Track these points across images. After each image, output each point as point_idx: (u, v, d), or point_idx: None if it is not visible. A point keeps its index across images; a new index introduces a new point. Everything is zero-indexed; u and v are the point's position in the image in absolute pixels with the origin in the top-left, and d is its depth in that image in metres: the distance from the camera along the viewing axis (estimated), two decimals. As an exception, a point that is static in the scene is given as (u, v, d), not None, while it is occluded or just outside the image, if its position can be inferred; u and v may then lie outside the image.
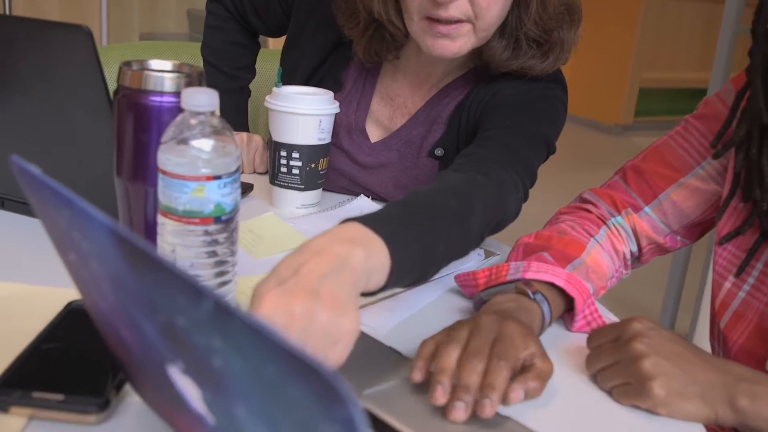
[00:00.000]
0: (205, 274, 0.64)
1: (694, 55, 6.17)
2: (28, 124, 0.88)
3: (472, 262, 0.96)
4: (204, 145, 0.61)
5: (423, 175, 1.13)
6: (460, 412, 0.61)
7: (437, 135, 1.12)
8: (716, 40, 2.27)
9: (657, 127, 5.65)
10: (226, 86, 1.31)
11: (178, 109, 0.63)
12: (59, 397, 0.56)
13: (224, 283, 0.66)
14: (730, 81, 0.94)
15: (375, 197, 1.17)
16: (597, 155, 5.27)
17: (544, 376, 0.66)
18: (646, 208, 0.95)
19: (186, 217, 0.62)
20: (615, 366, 0.69)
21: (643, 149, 1.01)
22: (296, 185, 1.08)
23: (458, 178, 0.86)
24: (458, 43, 0.99)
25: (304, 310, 0.55)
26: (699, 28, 6.10)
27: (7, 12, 3.38)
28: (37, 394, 0.57)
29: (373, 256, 0.64)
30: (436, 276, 0.83)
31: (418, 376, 0.65)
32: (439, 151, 1.11)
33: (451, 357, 0.64)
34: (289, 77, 1.21)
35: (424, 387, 0.65)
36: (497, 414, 0.64)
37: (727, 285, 0.88)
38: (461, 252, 0.81)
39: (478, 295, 0.82)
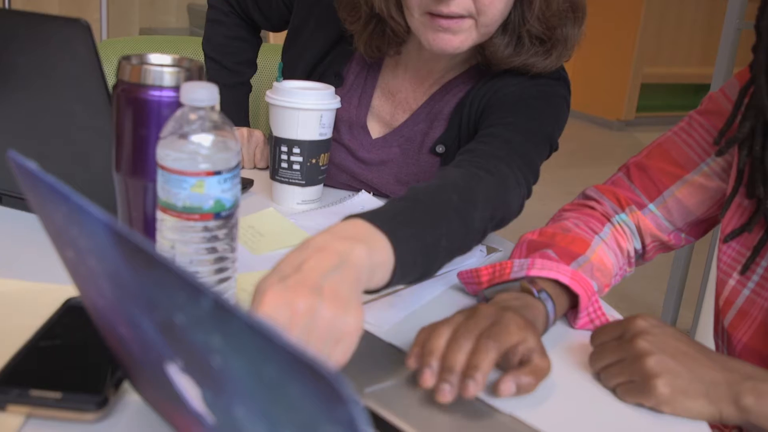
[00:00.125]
0: (204, 270, 0.63)
1: (697, 50, 6.16)
2: (26, 119, 0.87)
3: (475, 258, 0.95)
4: (203, 140, 0.61)
5: (424, 172, 1.13)
6: (446, 393, 0.61)
7: (438, 131, 1.11)
8: (719, 36, 2.26)
9: (659, 123, 5.64)
10: (227, 81, 1.30)
11: (177, 104, 0.62)
12: (57, 395, 0.56)
13: (224, 280, 0.65)
14: (735, 76, 0.93)
15: (376, 193, 1.16)
16: (599, 151, 5.27)
17: (540, 373, 0.65)
18: (650, 206, 0.95)
19: (185, 213, 0.61)
20: (619, 363, 0.69)
21: (644, 145, 1.00)
22: (297, 181, 1.07)
23: (460, 173, 0.85)
24: (459, 38, 0.98)
25: (306, 306, 0.55)
26: (701, 23, 6.09)
27: (7, 6, 3.37)
28: (34, 392, 0.56)
29: (376, 252, 0.63)
30: (438, 272, 0.83)
31: (412, 362, 0.65)
32: (440, 148, 1.11)
33: (440, 339, 0.64)
34: (290, 72, 1.20)
35: (426, 385, 0.64)
36: (499, 411, 0.64)
37: (732, 282, 0.88)
38: (464, 248, 0.80)
39: (482, 293, 0.81)
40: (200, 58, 1.35)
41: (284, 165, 1.07)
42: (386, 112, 1.15)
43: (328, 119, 1.06)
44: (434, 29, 0.97)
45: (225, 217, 0.63)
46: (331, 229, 0.63)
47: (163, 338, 0.41)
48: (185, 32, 4.51)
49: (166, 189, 0.62)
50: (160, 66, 0.70)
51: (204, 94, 0.60)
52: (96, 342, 0.57)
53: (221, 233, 0.63)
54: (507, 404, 0.65)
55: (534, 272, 0.78)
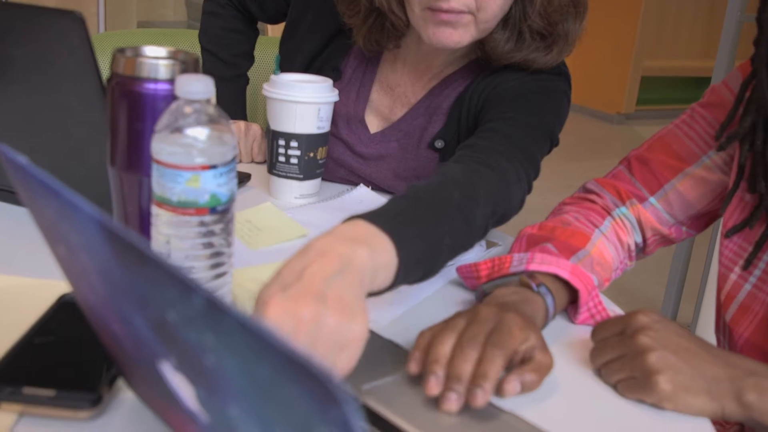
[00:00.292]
0: (200, 265, 0.62)
1: (697, 43, 6.14)
2: (19, 113, 0.87)
3: (474, 252, 0.94)
4: (199, 133, 0.60)
5: (423, 167, 1.12)
6: (452, 402, 0.60)
7: (437, 126, 1.10)
8: (719, 28, 2.25)
9: (659, 116, 5.63)
10: (224, 73, 1.29)
11: (173, 97, 0.61)
12: (50, 392, 0.55)
13: (220, 275, 0.64)
14: (737, 68, 0.92)
15: (374, 188, 1.15)
16: (599, 144, 5.26)
17: (543, 370, 0.65)
18: (651, 199, 0.94)
19: (181, 207, 0.60)
20: (620, 359, 0.68)
21: (645, 138, 0.99)
22: (295, 175, 1.06)
23: (460, 169, 0.84)
24: (459, 32, 0.97)
25: (310, 315, 0.54)
26: (702, 15, 6.07)
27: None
28: (27, 390, 0.55)
29: (379, 254, 0.62)
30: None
31: (414, 367, 0.64)
32: (439, 143, 1.10)
33: (445, 346, 0.63)
34: (287, 65, 1.19)
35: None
36: (499, 409, 0.63)
37: (733, 277, 0.87)
38: (466, 245, 0.79)
39: (481, 288, 0.80)
40: (197, 51, 1.34)
41: (282, 159, 1.06)
42: (385, 107, 1.14)
43: (326, 112, 1.05)
44: (435, 24, 0.96)
45: (221, 211, 0.62)
46: (332, 232, 0.62)
47: (156, 336, 0.41)
48: (183, 25, 4.50)
49: (161, 183, 0.61)
50: (155, 58, 0.69)
51: (199, 87, 0.59)
52: (90, 339, 0.56)
53: (217, 228, 0.62)
54: (507, 402, 0.64)
55: (533, 267, 0.78)
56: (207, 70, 1.27)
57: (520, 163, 0.91)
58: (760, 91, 0.81)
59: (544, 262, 0.78)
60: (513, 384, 0.62)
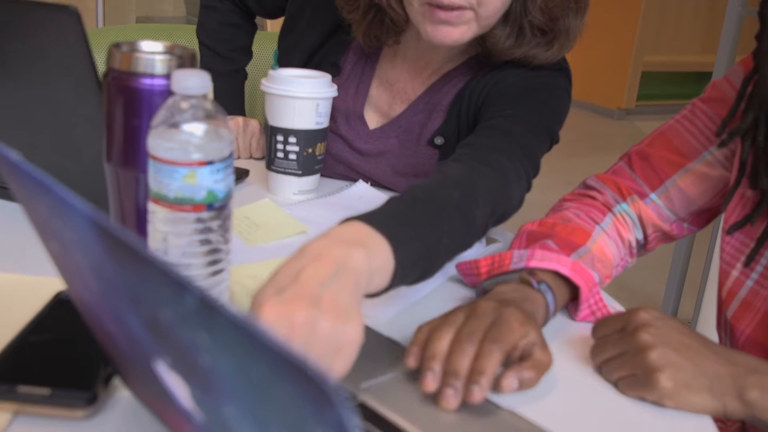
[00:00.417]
0: (197, 262, 0.62)
1: (698, 38, 6.13)
2: (14, 109, 0.86)
3: (473, 249, 0.94)
4: (195, 129, 0.59)
5: (422, 164, 1.11)
6: (450, 399, 0.60)
7: (437, 123, 1.09)
8: (720, 23, 2.24)
9: (659, 111, 5.61)
10: (222, 69, 1.29)
11: (169, 93, 0.60)
12: (45, 391, 0.55)
13: (217, 272, 0.64)
14: (739, 63, 0.91)
15: (374, 184, 1.14)
16: (599, 140, 5.25)
17: (542, 367, 0.64)
18: (652, 195, 0.93)
19: (177, 204, 0.60)
20: (621, 357, 0.68)
21: (645, 134, 0.99)
22: (293, 171, 1.06)
23: (460, 168, 0.83)
24: (459, 30, 0.96)
25: (305, 319, 0.53)
26: (703, 10, 6.05)
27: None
28: (22, 389, 0.55)
29: (375, 256, 0.62)
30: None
31: (412, 362, 0.64)
32: (438, 140, 1.09)
33: (443, 341, 0.63)
34: (286, 61, 1.19)
35: (424, 379, 0.63)
36: (498, 406, 0.63)
37: (735, 273, 0.86)
38: (465, 245, 0.79)
39: (481, 285, 0.80)
40: (196, 46, 1.34)
41: (280, 155, 1.05)
42: (384, 103, 1.14)
43: (325, 108, 1.05)
44: (433, 21, 0.95)
45: (218, 208, 0.61)
46: (328, 234, 0.62)
47: (150, 334, 0.40)
48: (182, 21, 4.49)
49: (157, 179, 0.60)
50: (152, 53, 0.69)
51: (196, 82, 0.58)
52: (86, 337, 0.56)
53: (214, 224, 0.62)
54: (507, 399, 0.63)
55: (534, 263, 0.77)
56: (204, 65, 1.27)
57: (520, 161, 0.90)
58: (762, 86, 0.80)
59: (545, 259, 0.77)
60: (510, 380, 0.62)
